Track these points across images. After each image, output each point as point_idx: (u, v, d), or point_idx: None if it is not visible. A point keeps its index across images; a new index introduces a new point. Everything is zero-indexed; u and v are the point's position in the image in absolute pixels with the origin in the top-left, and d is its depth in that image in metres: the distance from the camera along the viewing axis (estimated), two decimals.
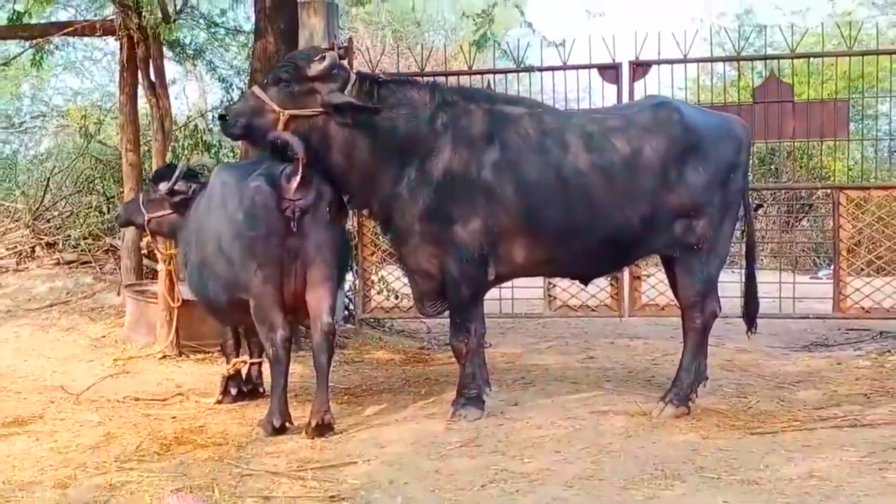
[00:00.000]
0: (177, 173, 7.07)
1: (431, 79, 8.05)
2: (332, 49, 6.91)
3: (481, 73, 10.18)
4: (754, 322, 7.18)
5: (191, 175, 7.19)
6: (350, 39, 10.12)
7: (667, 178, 6.49)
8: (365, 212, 7.37)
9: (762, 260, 12.09)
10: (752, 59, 10.40)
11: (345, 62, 6.89)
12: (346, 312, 9.76)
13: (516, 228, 6.43)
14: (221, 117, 6.83)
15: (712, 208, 6.59)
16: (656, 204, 6.49)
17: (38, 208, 12.88)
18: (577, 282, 8.32)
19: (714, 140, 6.67)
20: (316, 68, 6.35)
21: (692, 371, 6.66)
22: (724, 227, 6.75)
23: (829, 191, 10.18)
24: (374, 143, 6.43)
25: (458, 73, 10.26)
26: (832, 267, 9.65)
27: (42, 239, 12.26)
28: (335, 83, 6.39)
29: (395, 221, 6.56)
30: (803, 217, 14.69)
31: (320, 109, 6.33)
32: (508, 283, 8.71)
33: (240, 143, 8.65)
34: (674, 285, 6.94)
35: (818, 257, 13.75)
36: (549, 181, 6.39)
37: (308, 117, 6.34)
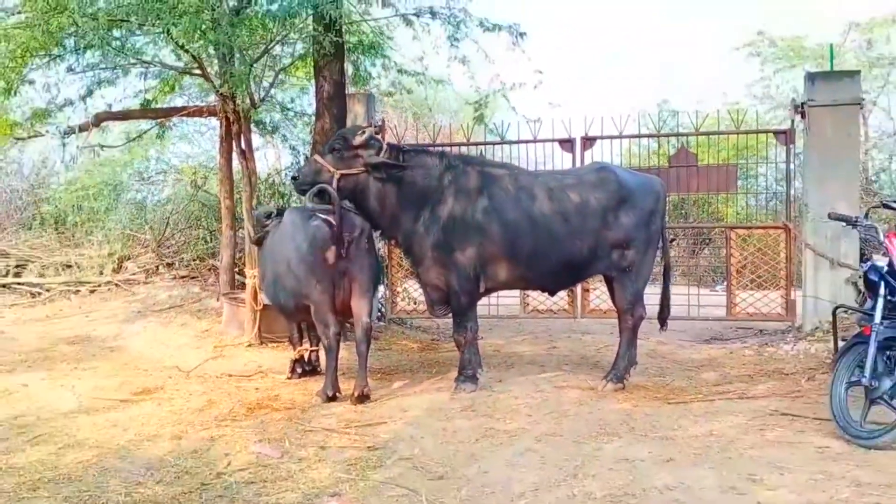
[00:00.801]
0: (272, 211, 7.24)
1: (441, 148, 8.14)
2: (371, 126, 7.00)
3: (476, 144, 10.22)
4: (666, 322, 7.12)
5: (269, 215, 7.21)
6: (383, 120, 10.13)
7: (606, 220, 6.53)
8: (392, 242, 7.41)
9: (676, 278, 12.05)
10: (668, 135, 10.48)
11: (379, 136, 6.90)
12: (380, 313, 9.73)
13: (500, 255, 6.47)
14: (293, 178, 7.02)
15: (639, 242, 6.63)
16: (599, 238, 6.52)
17: (160, 238, 12.89)
18: (545, 294, 8.36)
19: (640, 193, 6.70)
20: (359, 139, 6.52)
21: (626, 358, 6.66)
22: (648, 255, 6.77)
23: (723, 229, 10.15)
24: (399, 194, 6.53)
25: (460, 144, 10.28)
26: (725, 283, 9.62)
27: (163, 260, 12.26)
28: (372, 150, 6.52)
29: (413, 249, 6.61)
30: (704, 248, 14.64)
31: (363, 169, 6.47)
32: (494, 294, 8.74)
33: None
34: (612, 296, 6.95)
35: (715, 276, 13.67)
36: (522, 222, 6.44)
37: (353, 175, 6.47)
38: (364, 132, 6.59)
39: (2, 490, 4.28)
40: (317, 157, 6.69)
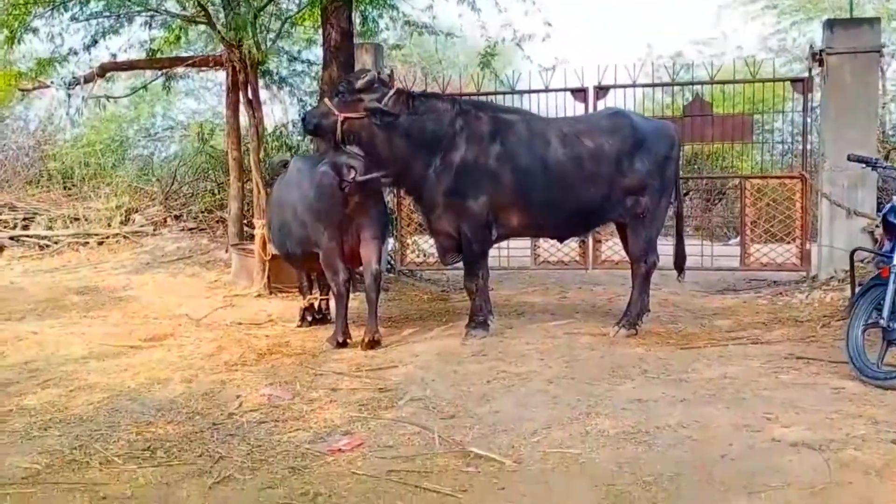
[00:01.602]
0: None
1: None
2: (374, 70, 6.94)
3: (486, 94, 10.01)
4: (683, 270, 7.12)
5: (285, 164, 7.15)
6: (392, 70, 10.01)
7: (620, 166, 6.46)
8: (403, 190, 7.40)
9: (689, 231, 12.01)
10: (682, 84, 10.26)
11: (387, 80, 6.81)
12: (389, 265, 9.70)
13: (512, 202, 6.42)
14: (302, 118, 7.00)
15: (653, 188, 6.56)
16: (613, 184, 6.46)
17: (168, 191, 12.88)
18: (556, 244, 8.33)
19: (654, 138, 6.63)
20: (361, 82, 6.37)
21: (638, 304, 6.63)
22: (662, 202, 6.73)
23: (738, 180, 10.05)
24: (408, 140, 6.37)
25: (470, 94, 10.09)
26: (738, 237, 9.56)
27: (171, 212, 12.28)
28: (375, 94, 6.34)
29: (424, 197, 6.53)
30: (717, 202, 14.53)
31: (364, 113, 6.29)
32: (504, 245, 8.69)
33: (313, 143, 8.62)
34: (624, 244, 6.93)
35: (728, 231, 13.58)
36: (536, 167, 6.37)
37: (357, 119, 6.29)
38: (366, 74, 6.49)
39: (13, 429, 4.30)
40: (325, 100, 6.60)
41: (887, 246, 5.12)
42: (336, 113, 6.31)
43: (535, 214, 6.53)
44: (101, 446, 4.00)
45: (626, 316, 6.60)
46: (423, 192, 6.51)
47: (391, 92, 6.42)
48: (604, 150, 6.45)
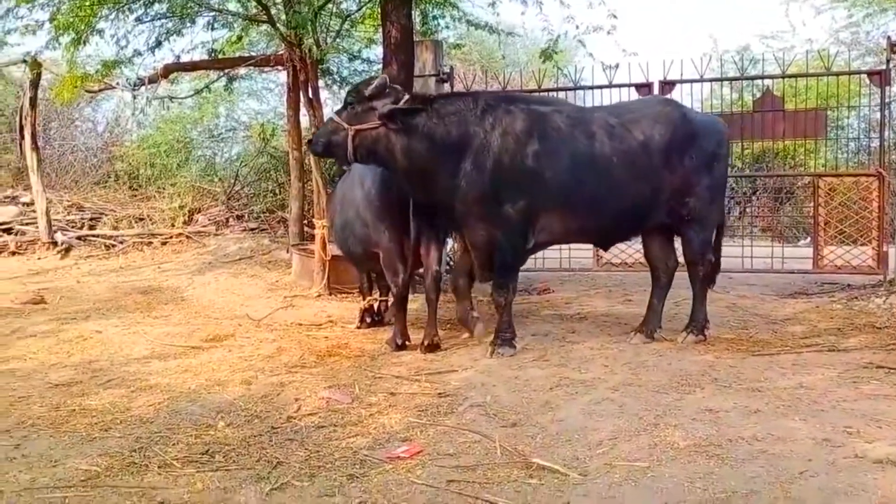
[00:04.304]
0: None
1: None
2: (384, 76, 6.16)
3: (548, 90, 9.86)
4: (713, 280, 6.62)
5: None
6: (451, 68, 9.91)
7: (670, 161, 5.97)
8: (431, 204, 6.01)
9: (756, 233, 11.68)
10: (752, 78, 9.95)
11: (397, 85, 6.09)
12: (448, 267, 9.64)
13: (555, 204, 5.82)
14: (309, 141, 6.39)
15: (703, 187, 6.08)
16: (663, 182, 5.98)
17: (230, 191, 13.03)
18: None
19: (705, 133, 6.15)
20: (371, 88, 5.75)
21: (703, 309, 6.32)
22: (715, 203, 6.27)
23: (810, 179, 9.72)
24: (431, 147, 5.68)
25: (531, 91, 9.95)
26: (809, 238, 9.24)
27: (234, 213, 12.42)
28: (388, 100, 5.72)
29: (457, 208, 5.78)
30: (786, 202, 14.10)
31: (378, 122, 5.68)
32: (566, 247, 8.48)
33: None
34: (648, 251, 6.57)
35: (798, 232, 13.17)
36: (580, 165, 5.79)
37: (370, 129, 5.68)
38: (374, 80, 5.90)
39: (75, 430, 4.32)
40: (333, 114, 6.03)
41: None
42: (346, 126, 5.74)
43: (581, 217, 5.96)
44: (161, 449, 3.99)
45: (693, 322, 6.29)
46: (454, 202, 5.77)
47: (406, 97, 5.84)
48: (654, 143, 5.90)
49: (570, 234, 6.24)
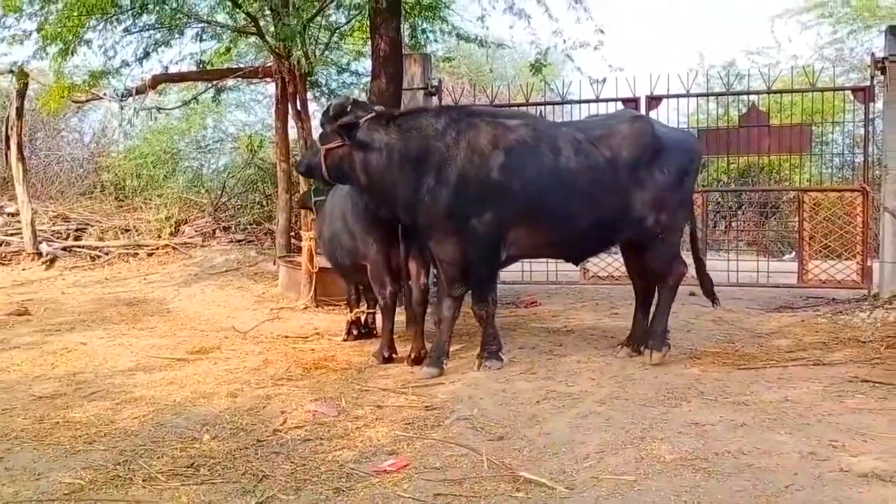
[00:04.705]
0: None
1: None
2: (349, 97, 6.19)
3: (535, 104, 9.90)
4: (714, 295, 6.49)
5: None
6: (440, 81, 9.94)
7: (639, 178, 5.88)
8: (398, 218, 6.00)
9: (742, 247, 11.73)
10: (738, 93, 9.98)
11: (367, 102, 6.27)
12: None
13: (522, 218, 5.76)
14: (296, 164, 6.63)
15: (672, 203, 6.00)
16: (632, 198, 5.89)
17: (217, 203, 12.99)
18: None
19: (677, 150, 6.07)
20: (333, 108, 5.82)
21: (664, 320, 6.13)
22: (678, 218, 6.18)
23: (795, 194, 9.79)
24: (390, 161, 5.67)
25: (518, 105, 9.98)
26: (794, 252, 9.30)
27: (220, 224, 12.39)
28: (349, 118, 5.70)
29: (420, 221, 5.78)
30: (771, 217, 14.19)
31: (341, 141, 5.72)
32: (552, 261, 8.49)
33: None
34: (640, 263, 6.38)
35: (783, 246, 13.25)
36: (546, 179, 5.72)
37: (336, 148, 5.74)
38: (338, 99, 5.98)
39: (59, 443, 4.28)
40: (317, 138, 6.18)
41: None
42: (319, 146, 5.90)
43: (547, 231, 5.90)
44: (145, 462, 3.96)
45: (652, 336, 6.05)
46: (417, 215, 5.76)
47: (371, 114, 5.80)
48: (621, 158, 5.82)
49: (539, 248, 6.22)
